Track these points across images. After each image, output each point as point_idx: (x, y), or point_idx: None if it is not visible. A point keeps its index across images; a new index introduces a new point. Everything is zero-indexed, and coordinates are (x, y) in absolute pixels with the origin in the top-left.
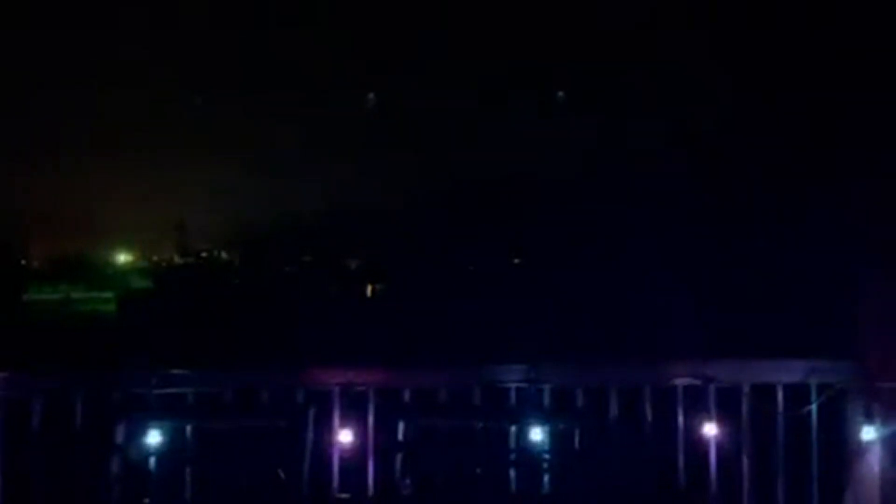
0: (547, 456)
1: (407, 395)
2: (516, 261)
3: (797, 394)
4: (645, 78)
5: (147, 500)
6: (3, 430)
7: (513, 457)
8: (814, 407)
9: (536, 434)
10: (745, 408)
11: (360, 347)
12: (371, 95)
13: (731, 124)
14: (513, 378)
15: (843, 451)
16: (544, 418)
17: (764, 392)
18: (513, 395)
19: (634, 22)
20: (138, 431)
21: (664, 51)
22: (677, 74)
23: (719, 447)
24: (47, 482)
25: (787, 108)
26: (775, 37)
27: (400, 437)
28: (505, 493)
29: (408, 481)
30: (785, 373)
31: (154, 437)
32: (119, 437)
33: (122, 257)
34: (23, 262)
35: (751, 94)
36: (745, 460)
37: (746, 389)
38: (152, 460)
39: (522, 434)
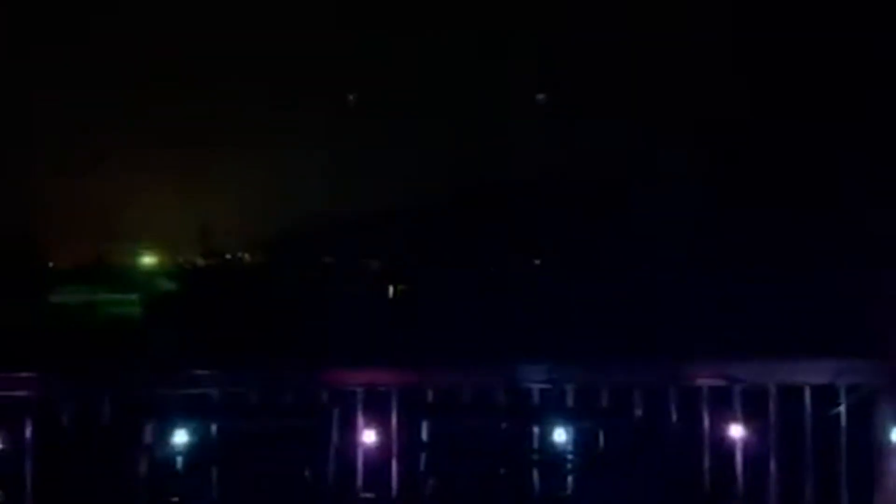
0: (570, 456)
1: (430, 396)
2: (537, 261)
3: (825, 395)
4: (663, 76)
5: (175, 500)
6: (33, 430)
7: (536, 457)
8: (843, 408)
9: (560, 434)
10: (772, 409)
11: (383, 348)
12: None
13: (754, 120)
14: (536, 378)
15: (871, 453)
16: (567, 419)
17: (791, 393)
18: (536, 395)
19: (646, 20)
20: (166, 431)
21: (681, 48)
22: (696, 72)
23: (746, 449)
24: (77, 481)
25: (812, 104)
26: (794, 30)
27: (423, 437)
28: (528, 494)
29: (431, 481)
30: (812, 374)
31: (181, 437)
32: (147, 437)
33: (147, 260)
34: (50, 264)
35: (772, 92)
36: (773, 463)
37: (773, 391)
38: (180, 460)
39: (546, 434)
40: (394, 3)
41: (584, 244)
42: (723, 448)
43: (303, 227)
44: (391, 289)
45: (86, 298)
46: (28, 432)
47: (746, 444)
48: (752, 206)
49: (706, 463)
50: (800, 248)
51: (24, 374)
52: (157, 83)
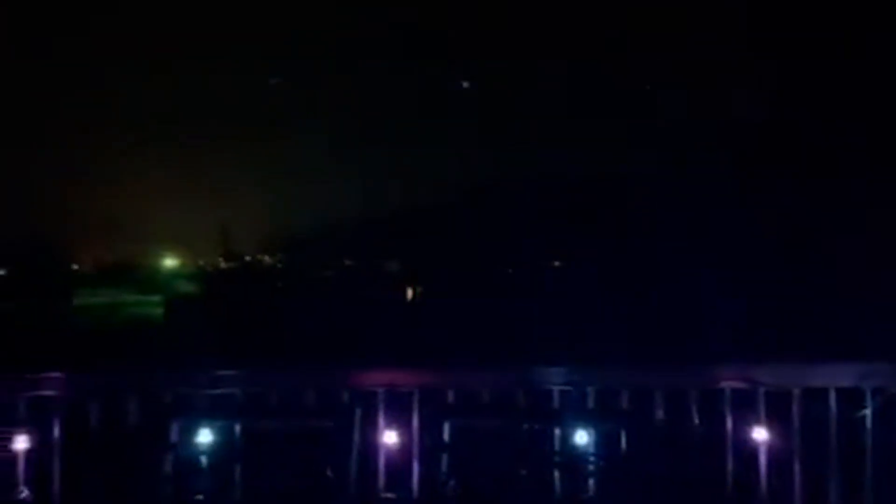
0: (591, 458)
1: (451, 397)
2: (556, 263)
3: (851, 398)
4: (691, 76)
5: (200, 497)
6: (61, 428)
7: (557, 458)
8: (868, 411)
9: (581, 436)
10: (795, 412)
11: (402, 350)
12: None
13: (782, 124)
14: (556, 380)
15: None
16: (588, 420)
17: (816, 396)
18: (556, 396)
19: (677, 17)
20: (190, 431)
21: (715, 50)
22: (727, 73)
23: (770, 452)
24: (104, 479)
25: (843, 106)
26: (824, 35)
27: (445, 437)
28: (549, 495)
29: (452, 482)
30: (837, 377)
31: (205, 437)
32: (173, 436)
33: (169, 262)
34: (74, 266)
35: (806, 94)
36: (797, 466)
37: (797, 393)
38: (204, 458)
39: (567, 436)
40: (412, 10)
41: (604, 246)
42: (746, 451)
43: (322, 230)
44: (410, 290)
45: (110, 300)
46: (56, 431)
47: (770, 447)
48: (776, 209)
49: (729, 466)
50: (824, 252)
51: (51, 375)
52: (177, 89)
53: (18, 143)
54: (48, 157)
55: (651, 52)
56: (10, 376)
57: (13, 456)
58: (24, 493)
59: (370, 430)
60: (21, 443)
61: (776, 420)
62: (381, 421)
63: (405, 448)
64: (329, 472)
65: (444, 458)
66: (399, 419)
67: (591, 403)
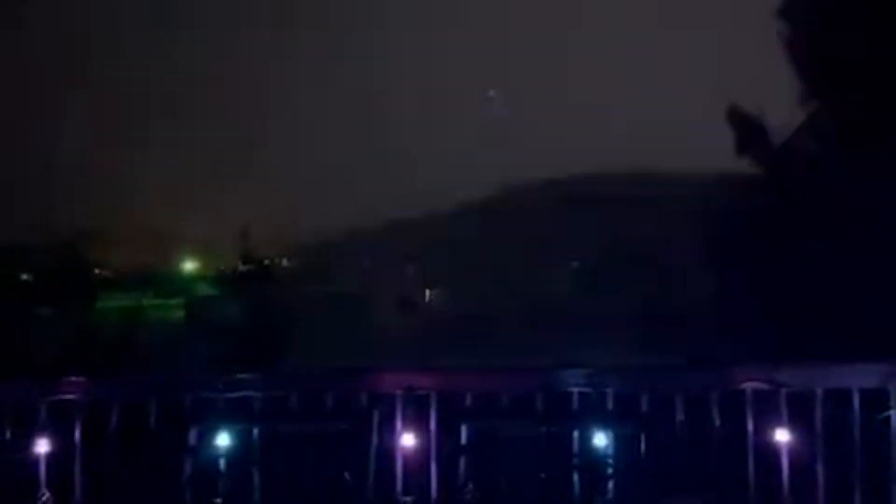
0: (611, 461)
1: (468, 400)
2: (575, 264)
3: (874, 399)
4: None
5: (218, 501)
6: (82, 432)
7: (576, 461)
8: (893, 413)
9: (600, 439)
10: (818, 414)
11: (420, 352)
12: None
13: (802, 124)
14: (576, 382)
15: None
16: (608, 423)
17: (839, 397)
18: (575, 399)
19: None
20: (209, 434)
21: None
22: (750, 74)
23: (792, 454)
24: (124, 482)
25: (860, 109)
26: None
27: (463, 441)
28: (568, 498)
29: (470, 485)
30: (861, 377)
31: (224, 440)
32: (192, 439)
33: (189, 265)
34: (96, 270)
35: (822, 96)
36: (820, 468)
37: (820, 394)
38: (222, 462)
39: (586, 439)
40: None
41: (624, 247)
42: (768, 453)
43: (340, 233)
44: (427, 293)
45: (132, 303)
46: (77, 435)
47: (792, 449)
48: (797, 207)
49: (751, 468)
50: (848, 250)
51: (72, 378)
52: (199, 102)
53: (42, 149)
54: (71, 162)
55: None
56: (32, 380)
57: (35, 459)
58: (46, 496)
59: (388, 433)
60: (42, 446)
61: (798, 421)
62: (399, 424)
63: (423, 451)
64: (347, 476)
65: (462, 462)
66: (417, 422)
67: (610, 406)
